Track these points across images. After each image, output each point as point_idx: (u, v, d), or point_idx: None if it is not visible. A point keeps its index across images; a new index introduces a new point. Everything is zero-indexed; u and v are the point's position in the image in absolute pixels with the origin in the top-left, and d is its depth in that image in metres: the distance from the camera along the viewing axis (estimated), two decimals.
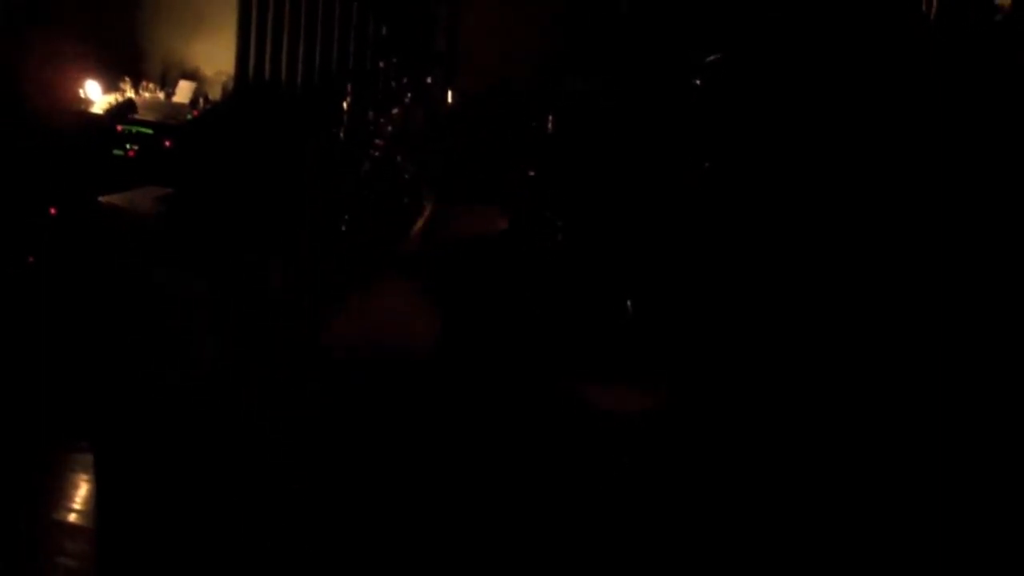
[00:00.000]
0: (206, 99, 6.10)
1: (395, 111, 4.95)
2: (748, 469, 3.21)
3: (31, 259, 4.74)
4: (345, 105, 5.13)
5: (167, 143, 5.56)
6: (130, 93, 5.97)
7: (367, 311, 3.43)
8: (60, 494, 3.43)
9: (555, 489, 3.27)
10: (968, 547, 2.91)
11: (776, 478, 3.17)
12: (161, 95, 6.09)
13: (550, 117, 4.45)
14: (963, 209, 3.17)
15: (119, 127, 5.62)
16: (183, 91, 6.07)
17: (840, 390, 3.19)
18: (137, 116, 5.71)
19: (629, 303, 3.72)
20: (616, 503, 3.22)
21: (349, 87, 5.26)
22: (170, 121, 5.73)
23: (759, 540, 3.06)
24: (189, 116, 5.84)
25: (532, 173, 4.37)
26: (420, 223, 3.80)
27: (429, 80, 5.35)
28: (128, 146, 5.59)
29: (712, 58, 3.72)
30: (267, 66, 6.12)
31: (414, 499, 3.21)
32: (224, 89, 6.18)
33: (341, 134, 5.01)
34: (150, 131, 5.63)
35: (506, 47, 5.51)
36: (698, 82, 3.78)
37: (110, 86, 5.99)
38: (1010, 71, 3.24)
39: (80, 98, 5.78)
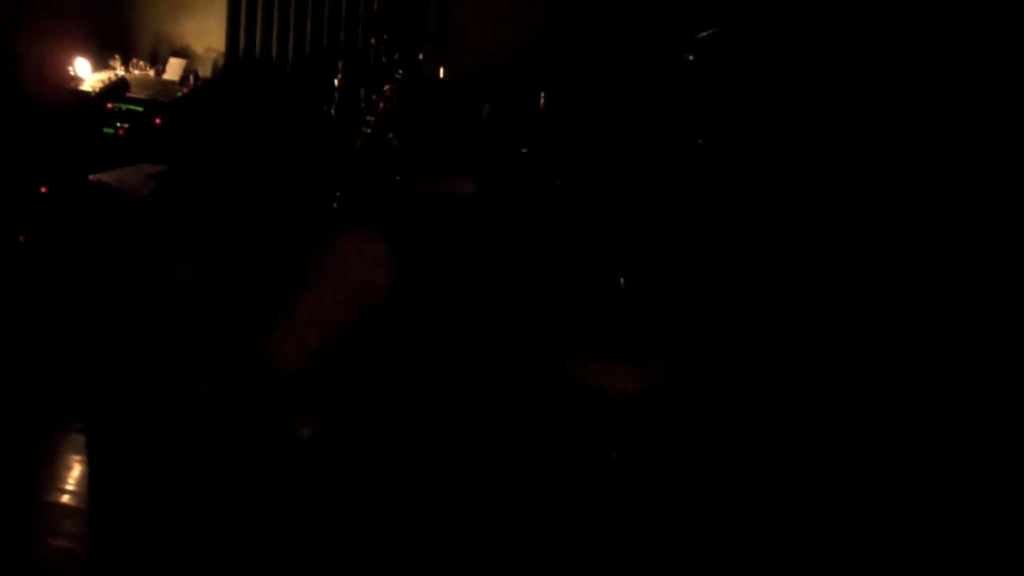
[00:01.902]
0: (196, 76, 6.06)
1: (386, 88, 4.92)
2: (744, 449, 3.21)
3: (22, 238, 4.72)
4: (336, 82, 5.10)
5: (157, 121, 5.53)
6: (120, 71, 5.93)
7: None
8: (53, 475, 3.43)
9: (551, 469, 3.27)
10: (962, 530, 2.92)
11: (772, 458, 3.18)
12: (151, 72, 6.05)
13: (543, 94, 4.43)
14: (955, 174, 3.17)
15: (109, 105, 5.58)
16: (173, 68, 6.03)
17: (837, 369, 3.19)
18: (128, 94, 5.68)
19: (623, 280, 3.71)
20: (612, 482, 3.23)
21: (340, 64, 5.23)
22: (160, 99, 5.70)
23: (755, 521, 3.06)
24: (179, 93, 5.81)
25: (525, 150, 4.35)
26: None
27: (421, 56, 5.31)
28: (118, 124, 5.56)
29: (705, 33, 3.70)
30: (257, 43, 6.08)
31: (410, 485, 3.21)
32: (214, 66, 6.14)
33: (332, 111, 4.98)
34: (140, 109, 5.60)
35: (499, 22, 5.48)
36: (691, 58, 3.76)
37: (100, 64, 5.95)
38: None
39: (70, 76, 5.74)
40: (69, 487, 3.35)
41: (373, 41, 5.45)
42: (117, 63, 6.00)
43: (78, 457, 3.52)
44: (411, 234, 3.39)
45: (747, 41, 3.63)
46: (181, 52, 6.17)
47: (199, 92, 5.87)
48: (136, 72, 6.01)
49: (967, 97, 3.13)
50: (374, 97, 4.87)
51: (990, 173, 3.15)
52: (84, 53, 5.85)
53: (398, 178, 4.30)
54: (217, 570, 2.93)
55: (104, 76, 5.81)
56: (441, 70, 5.23)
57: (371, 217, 3.67)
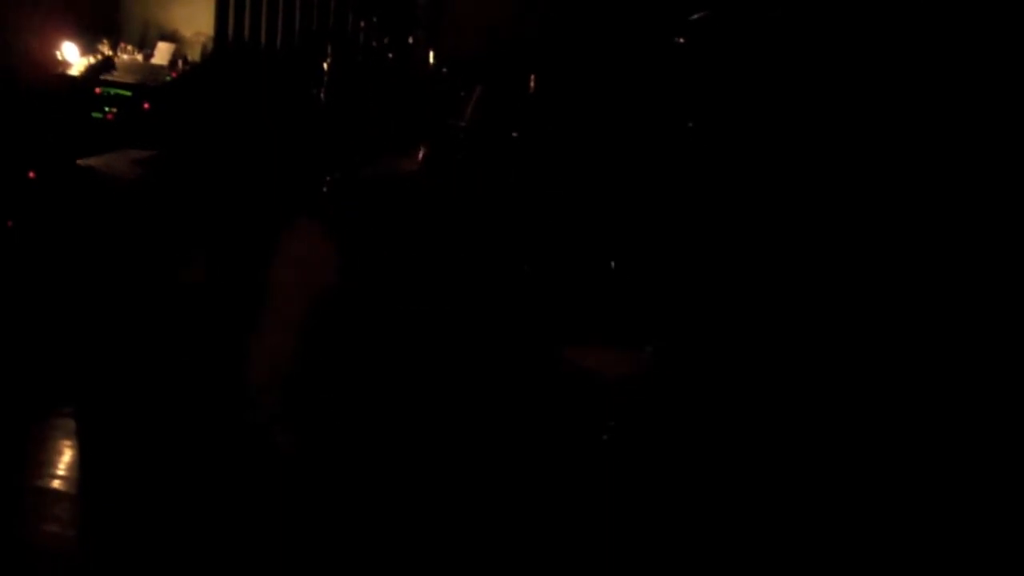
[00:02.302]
0: (185, 60, 6.03)
1: (376, 72, 4.91)
2: (735, 431, 3.22)
3: (10, 223, 4.70)
4: (325, 66, 5.08)
5: (146, 105, 5.50)
6: (108, 55, 5.90)
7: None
8: (43, 460, 3.42)
9: (544, 451, 3.27)
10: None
11: (763, 441, 3.18)
12: (140, 57, 6.01)
13: (533, 77, 4.42)
14: (939, 162, 3.17)
15: (97, 89, 5.55)
16: (162, 52, 6.00)
17: (826, 353, 3.19)
18: (116, 78, 5.64)
19: (613, 263, 3.71)
20: (604, 464, 3.23)
21: (329, 48, 5.20)
22: (149, 83, 5.67)
23: (745, 503, 3.07)
24: (168, 78, 5.78)
25: (515, 134, 4.34)
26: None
27: (411, 40, 5.30)
28: (107, 108, 5.53)
29: (696, 16, 3.69)
30: (246, 26, 6.05)
31: (409, 464, 3.22)
32: (203, 50, 6.11)
33: (321, 95, 4.96)
34: (129, 93, 5.57)
35: (489, 6, 5.45)
36: (681, 40, 3.75)
37: (88, 48, 5.91)
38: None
39: (58, 60, 5.71)
40: (59, 472, 3.35)
41: (363, 25, 5.43)
42: (106, 47, 5.96)
43: (68, 442, 3.51)
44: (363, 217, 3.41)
45: (738, 24, 3.62)
46: (170, 36, 6.14)
47: (188, 76, 5.84)
48: (124, 56, 5.97)
49: (959, 76, 3.13)
50: (364, 81, 4.86)
51: (982, 147, 3.15)
52: (72, 37, 5.81)
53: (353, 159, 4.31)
54: (206, 555, 2.93)
55: (92, 60, 5.78)
56: (431, 54, 5.21)
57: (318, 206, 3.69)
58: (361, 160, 4.39)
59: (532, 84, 4.41)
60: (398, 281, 3.67)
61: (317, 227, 3.73)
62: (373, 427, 3.37)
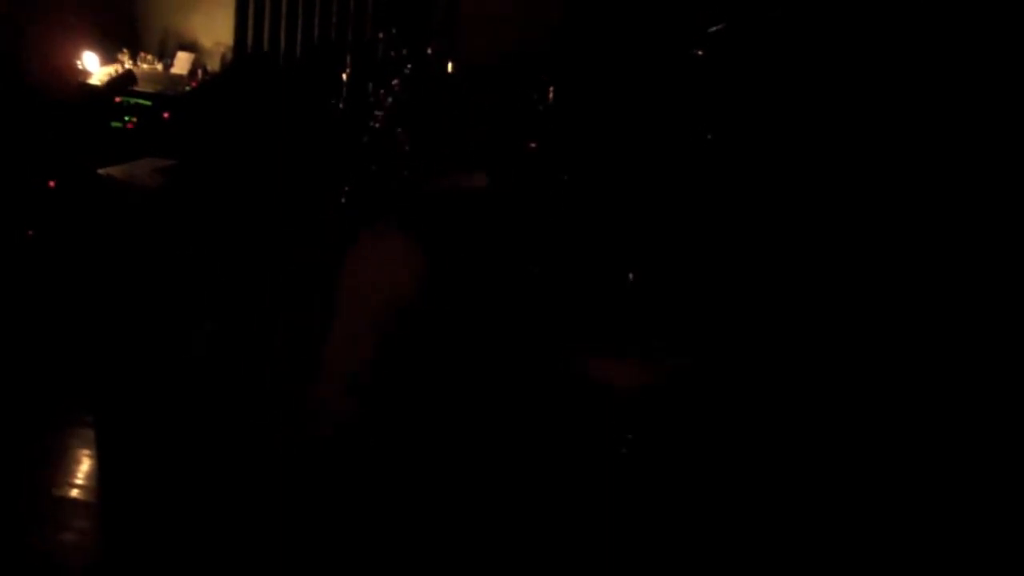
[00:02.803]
0: (205, 70, 6.06)
1: (395, 82, 4.91)
2: (751, 444, 3.21)
3: (30, 233, 4.73)
4: (344, 76, 5.10)
5: (166, 115, 5.53)
6: (128, 65, 5.94)
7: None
8: (62, 469, 3.43)
9: (560, 463, 3.27)
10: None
11: (779, 453, 3.17)
12: (159, 66, 6.05)
13: (551, 88, 4.42)
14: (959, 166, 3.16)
15: (117, 99, 5.58)
16: (181, 62, 6.03)
17: (846, 364, 3.18)
18: (136, 88, 5.68)
19: (632, 275, 3.71)
20: (621, 477, 3.23)
21: (348, 58, 5.22)
22: (168, 93, 5.70)
23: (760, 517, 3.06)
24: (187, 87, 5.81)
25: (533, 145, 4.34)
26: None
27: (429, 51, 5.31)
28: (127, 118, 5.56)
29: (714, 29, 3.69)
30: (266, 37, 6.07)
31: (424, 476, 3.22)
32: (223, 60, 6.14)
33: (340, 106, 4.97)
34: (149, 103, 5.60)
35: (507, 17, 5.46)
36: (700, 53, 3.74)
37: (108, 58, 5.95)
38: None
39: (78, 70, 5.75)
40: (78, 481, 3.36)
41: (381, 35, 5.44)
42: (125, 57, 6.00)
43: (87, 451, 3.53)
44: (433, 232, 3.39)
45: (756, 36, 3.61)
46: (189, 46, 6.17)
47: (207, 86, 5.87)
48: (144, 66, 6.01)
49: (970, 87, 3.12)
50: (382, 91, 4.87)
51: (994, 163, 3.14)
52: (92, 47, 5.85)
53: (406, 173, 4.30)
54: (221, 566, 2.94)
55: (112, 70, 5.81)
56: (449, 64, 5.22)
57: (394, 216, 3.65)
58: (380, 170, 4.41)
59: (550, 95, 4.41)
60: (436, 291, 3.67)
61: (341, 234, 3.72)
62: (394, 434, 3.37)
